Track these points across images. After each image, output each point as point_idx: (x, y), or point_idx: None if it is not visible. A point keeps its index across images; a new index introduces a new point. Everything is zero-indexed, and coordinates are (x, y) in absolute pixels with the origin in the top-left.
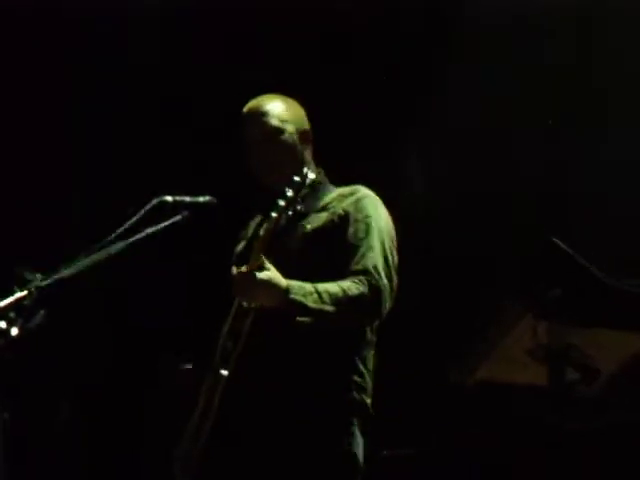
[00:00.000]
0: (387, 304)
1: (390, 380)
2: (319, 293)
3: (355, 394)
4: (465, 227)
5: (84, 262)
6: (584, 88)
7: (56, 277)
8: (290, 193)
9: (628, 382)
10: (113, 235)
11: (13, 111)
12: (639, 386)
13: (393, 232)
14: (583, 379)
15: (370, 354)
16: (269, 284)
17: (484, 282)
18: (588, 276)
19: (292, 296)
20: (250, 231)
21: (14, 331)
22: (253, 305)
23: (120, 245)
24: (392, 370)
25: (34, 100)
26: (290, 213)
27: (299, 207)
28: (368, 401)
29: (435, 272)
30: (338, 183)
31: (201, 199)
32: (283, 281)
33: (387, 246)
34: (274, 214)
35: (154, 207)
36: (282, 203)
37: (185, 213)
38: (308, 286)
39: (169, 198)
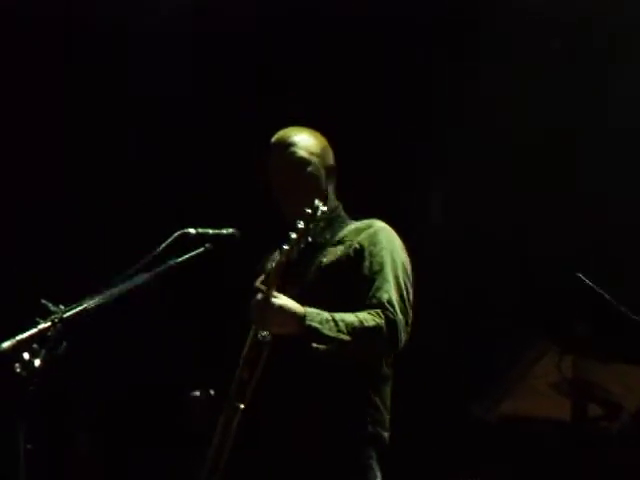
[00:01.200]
0: (402, 338)
1: (413, 415)
2: (336, 321)
3: (370, 427)
4: (489, 261)
5: (107, 294)
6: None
7: (79, 309)
8: (301, 225)
9: None
10: (136, 267)
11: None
12: None
13: (409, 266)
14: (606, 415)
15: (386, 388)
16: (285, 310)
17: (508, 316)
18: (613, 311)
19: (308, 322)
20: (267, 264)
21: (37, 362)
22: (270, 332)
23: (143, 277)
24: (416, 405)
25: (54, 130)
26: (302, 245)
27: (310, 239)
28: (385, 434)
29: (460, 306)
30: (358, 216)
31: (224, 231)
32: (300, 307)
33: (402, 280)
34: (285, 246)
35: (177, 239)
36: (293, 235)
37: (208, 245)
38: (325, 314)
39: (192, 230)
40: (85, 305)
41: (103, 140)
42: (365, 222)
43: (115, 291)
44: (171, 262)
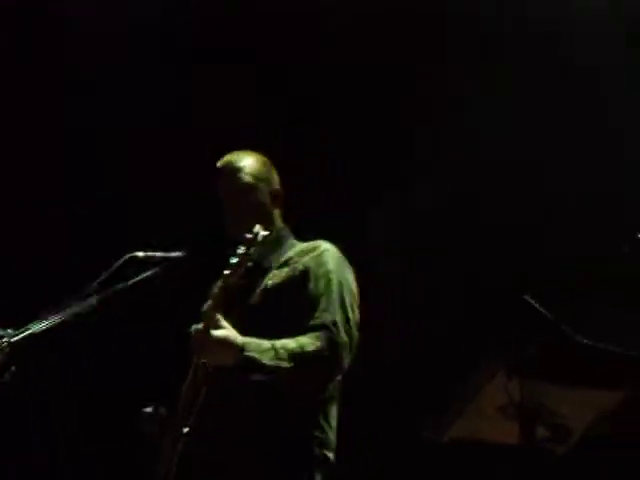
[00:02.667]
0: (346, 360)
1: (363, 436)
2: (275, 350)
3: (317, 449)
4: (439, 284)
5: (55, 318)
6: None
7: (27, 333)
8: (241, 250)
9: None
10: (85, 291)
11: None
12: (608, 444)
13: (355, 287)
14: (554, 437)
15: (332, 409)
16: (224, 342)
17: (458, 340)
18: (560, 334)
19: (247, 353)
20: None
21: None
22: (209, 363)
23: (90, 301)
24: (366, 427)
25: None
26: (242, 270)
27: (250, 264)
28: (330, 455)
29: (410, 328)
30: (307, 237)
31: (173, 254)
32: (239, 338)
33: (347, 301)
34: (226, 272)
35: (126, 262)
36: (233, 261)
37: (156, 269)
38: (265, 343)
39: (140, 254)
40: (32, 330)
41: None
42: (311, 243)
43: (63, 315)
44: (119, 286)
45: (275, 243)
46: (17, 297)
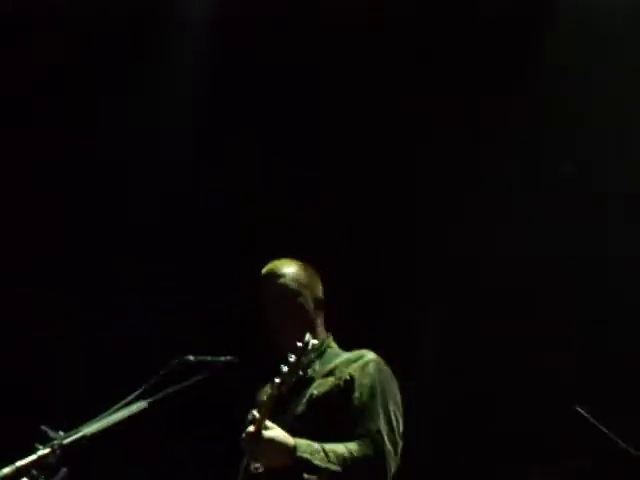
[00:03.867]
0: (392, 467)
1: None
2: (326, 452)
3: None
4: (486, 396)
5: (106, 420)
6: None
7: (78, 435)
8: (292, 359)
9: None
10: (134, 394)
11: None
12: None
13: (399, 397)
14: None
15: None
16: (276, 442)
17: (511, 454)
18: (612, 445)
19: (299, 454)
20: (261, 396)
21: None
22: (262, 464)
23: (141, 404)
24: None
25: None
26: (294, 379)
27: (301, 372)
28: None
29: (452, 439)
30: (349, 348)
31: (222, 358)
32: (290, 439)
33: (391, 410)
34: (277, 379)
35: (176, 366)
36: (285, 369)
37: (206, 372)
38: (315, 445)
39: (191, 357)
40: (84, 432)
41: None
42: (356, 353)
43: (113, 417)
44: (169, 389)
45: (320, 352)
46: (70, 399)
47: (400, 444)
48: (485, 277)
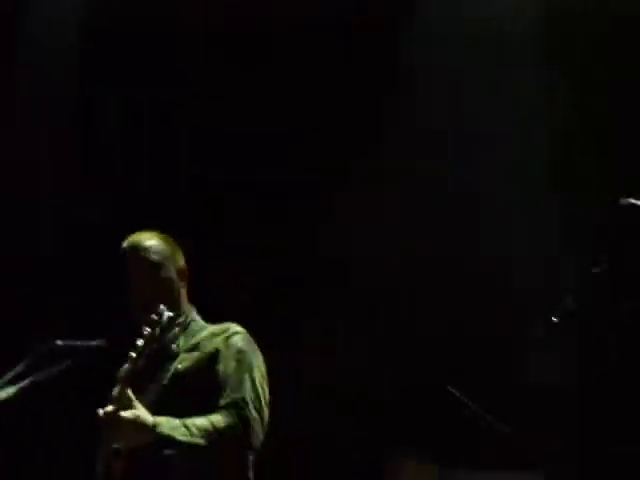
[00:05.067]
0: (259, 435)
1: None
2: (187, 427)
3: None
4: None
5: None
6: None
7: None
8: (147, 331)
9: None
10: (0, 381)
11: None
12: None
13: (264, 367)
14: None
15: None
16: (136, 422)
17: (374, 424)
18: (479, 421)
19: (159, 430)
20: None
21: None
22: (121, 445)
23: (8, 391)
24: None
25: None
26: (148, 351)
27: (160, 346)
28: None
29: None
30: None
31: (92, 342)
32: (149, 417)
33: (257, 380)
34: (132, 353)
35: (43, 351)
36: (140, 342)
37: (75, 357)
38: (176, 421)
39: (59, 342)
40: None
41: None
42: (221, 326)
43: None
44: (36, 376)
45: (184, 325)
46: None
47: (266, 411)
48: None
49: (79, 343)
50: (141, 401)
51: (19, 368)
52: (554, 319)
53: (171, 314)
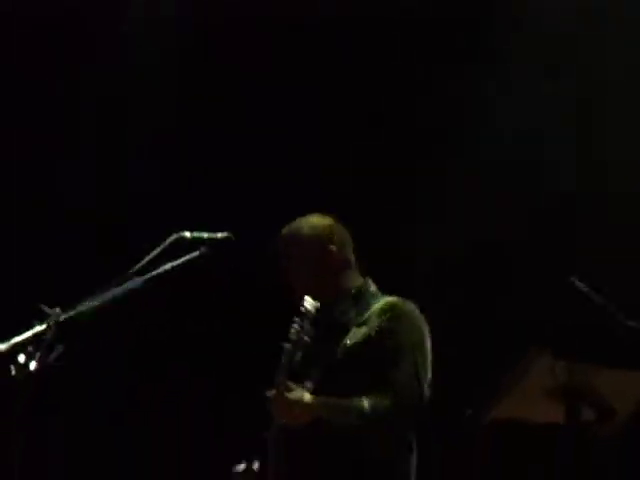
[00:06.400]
0: (414, 416)
1: None
2: (346, 408)
3: None
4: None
5: (103, 297)
6: None
7: (75, 312)
8: (296, 326)
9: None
10: (131, 271)
11: None
12: None
13: (427, 347)
14: (599, 419)
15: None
16: (297, 404)
17: (505, 326)
18: (606, 316)
19: (318, 411)
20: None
21: (32, 365)
22: (287, 423)
23: (138, 281)
24: None
25: None
26: (300, 345)
27: (306, 338)
28: None
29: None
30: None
31: (219, 235)
32: (309, 399)
33: (419, 361)
34: (287, 346)
35: (172, 243)
36: (293, 337)
37: (203, 249)
38: (335, 401)
39: (187, 234)
40: (81, 309)
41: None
42: (388, 302)
43: (110, 295)
44: (166, 266)
45: (356, 299)
46: (68, 277)
47: (427, 394)
48: None
49: (206, 235)
50: (308, 377)
51: (147, 259)
52: None
53: (316, 304)
